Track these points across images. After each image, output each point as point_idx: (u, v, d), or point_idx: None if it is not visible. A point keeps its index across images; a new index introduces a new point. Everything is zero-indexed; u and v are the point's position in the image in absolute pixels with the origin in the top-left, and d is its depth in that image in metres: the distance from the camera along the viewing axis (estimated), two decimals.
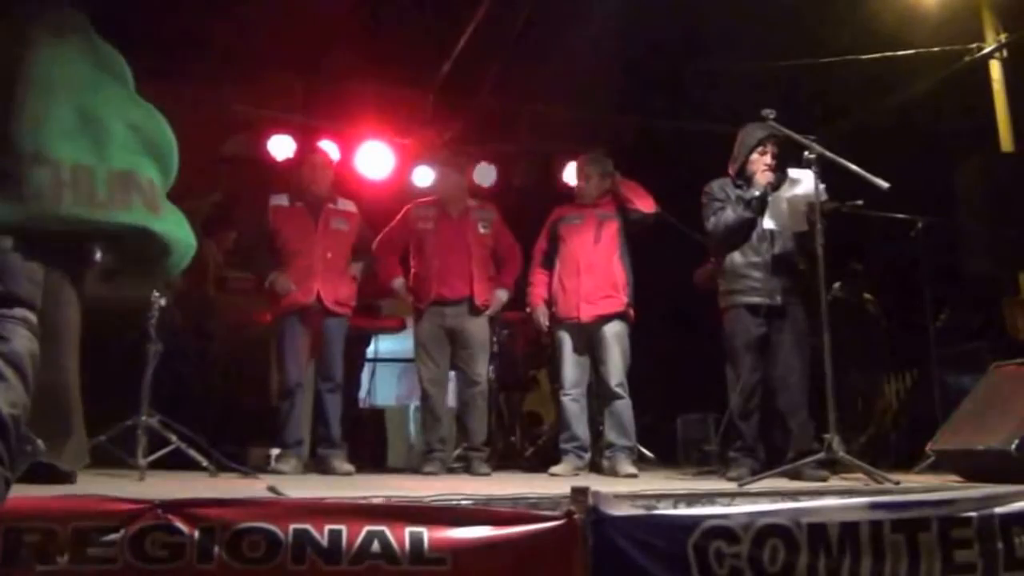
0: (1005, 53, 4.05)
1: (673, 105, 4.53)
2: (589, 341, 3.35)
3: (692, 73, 4.20)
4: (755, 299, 2.87)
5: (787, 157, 2.87)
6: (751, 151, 2.96)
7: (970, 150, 3.81)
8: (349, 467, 3.15)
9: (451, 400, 3.69)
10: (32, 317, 1.13)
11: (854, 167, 2.49)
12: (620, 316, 3.31)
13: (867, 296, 4.58)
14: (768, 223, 2.87)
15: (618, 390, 3.27)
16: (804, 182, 2.71)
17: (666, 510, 1.66)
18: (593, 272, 3.34)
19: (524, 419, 4.86)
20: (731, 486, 2.15)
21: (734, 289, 2.93)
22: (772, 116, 2.66)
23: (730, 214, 2.93)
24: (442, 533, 1.46)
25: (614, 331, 3.29)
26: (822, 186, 2.68)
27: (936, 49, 4.06)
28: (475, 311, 3.35)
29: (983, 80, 4.09)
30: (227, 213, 3.86)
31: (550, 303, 3.44)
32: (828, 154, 2.53)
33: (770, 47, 3.98)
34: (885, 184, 2.41)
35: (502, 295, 3.46)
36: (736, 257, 2.94)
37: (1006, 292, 3.85)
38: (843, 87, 4.29)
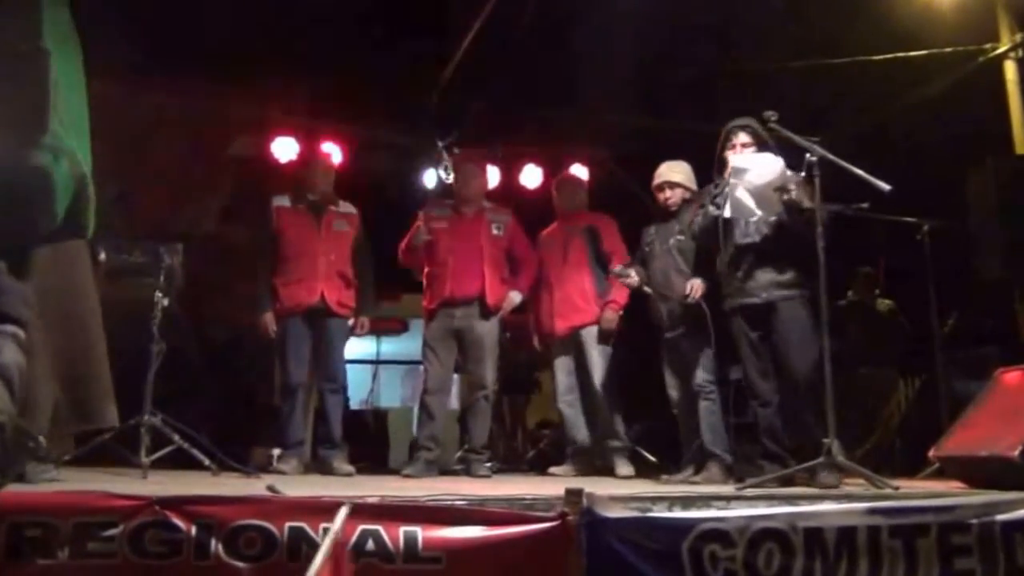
0: (1020, 53, 3.99)
1: (677, 107, 4.51)
2: (570, 351, 3.50)
3: (695, 74, 4.18)
4: (740, 300, 2.70)
5: (790, 155, 2.67)
6: (723, 148, 2.79)
7: (983, 152, 3.75)
8: (350, 468, 3.16)
9: (453, 403, 3.70)
10: (21, 334, 1.17)
11: (855, 169, 2.42)
12: (596, 324, 3.43)
13: (886, 301, 4.53)
14: (727, 214, 2.62)
15: (600, 393, 3.36)
16: (756, 168, 2.53)
17: (661, 513, 1.65)
18: (562, 286, 3.49)
19: (525, 422, 4.87)
20: (728, 489, 2.13)
21: (725, 294, 2.79)
22: (775, 118, 2.60)
23: (699, 219, 2.81)
24: (436, 533, 1.47)
25: (593, 339, 3.41)
26: (780, 163, 2.48)
27: (950, 50, 4.01)
28: (486, 313, 3.34)
29: (998, 81, 4.04)
30: (235, 214, 3.89)
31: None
32: (829, 156, 2.48)
33: (783, 47, 3.95)
34: (886, 186, 2.36)
35: (515, 296, 3.47)
36: (718, 262, 2.80)
37: (1018, 297, 3.79)
38: (857, 88, 4.25)
